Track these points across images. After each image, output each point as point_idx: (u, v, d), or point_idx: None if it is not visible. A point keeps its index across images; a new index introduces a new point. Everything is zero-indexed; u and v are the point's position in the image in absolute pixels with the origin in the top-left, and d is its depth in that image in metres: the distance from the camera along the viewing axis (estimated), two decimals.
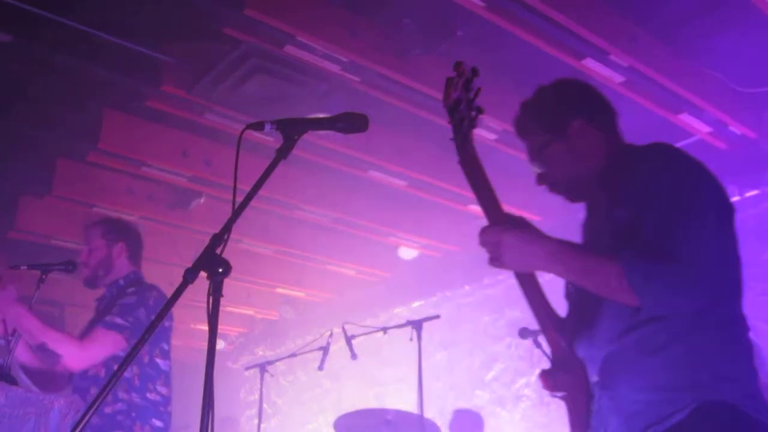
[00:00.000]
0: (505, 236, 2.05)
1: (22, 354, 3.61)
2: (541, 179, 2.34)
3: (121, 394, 3.53)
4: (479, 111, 2.19)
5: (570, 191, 2.33)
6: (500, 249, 2.05)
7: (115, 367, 3.62)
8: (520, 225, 2.16)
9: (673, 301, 1.91)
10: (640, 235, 1.96)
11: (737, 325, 2.04)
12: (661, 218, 1.95)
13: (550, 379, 2.20)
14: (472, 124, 2.20)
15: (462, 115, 2.20)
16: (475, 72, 2.23)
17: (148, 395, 3.62)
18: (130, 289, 3.75)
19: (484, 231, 2.11)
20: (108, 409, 3.48)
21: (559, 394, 2.21)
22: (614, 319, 2.05)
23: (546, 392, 2.22)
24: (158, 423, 3.63)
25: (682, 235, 1.93)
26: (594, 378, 2.13)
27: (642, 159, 2.11)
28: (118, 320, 3.58)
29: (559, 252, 2.01)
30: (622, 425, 2.01)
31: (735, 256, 2.12)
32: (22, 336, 3.48)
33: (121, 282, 3.87)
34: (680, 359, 1.95)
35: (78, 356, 3.49)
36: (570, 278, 2.08)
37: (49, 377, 3.70)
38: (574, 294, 2.28)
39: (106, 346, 3.56)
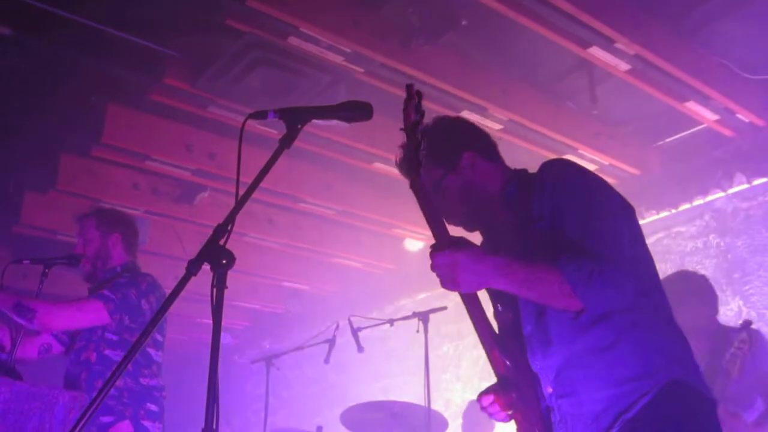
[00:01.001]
0: (458, 256, 2.04)
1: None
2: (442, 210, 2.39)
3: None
4: (420, 146, 2.23)
5: (468, 221, 2.43)
6: (455, 270, 2.03)
7: (106, 352, 3.63)
8: (464, 244, 2.14)
9: (610, 296, 2.01)
10: (563, 238, 2.07)
11: (667, 311, 2.19)
12: (581, 221, 2.08)
13: (503, 398, 2.24)
14: (420, 147, 2.23)
15: (419, 137, 2.22)
16: (420, 95, 2.29)
17: (141, 380, 3.63)
18: (125, 274, 3.77)
19: (436, 253, 2.09)
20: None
21: (510, 411, 2.25)
22: (561, 326, 2.13)
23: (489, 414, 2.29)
24: (153, 407, 3.63)
25: (602, 233, 2.08)
26: (548, 389, 2.18)
27: (552, 175, 2.22)
28: (105, 292, 3.60)
29: (504, 265, 2.04)
30: (590, 426, 2.08)
31: (646, 250, 2.24)
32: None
33: (118, 269, 3.87)
34: (633, 350, 2.06)
35: (53, 313, 3.45)
36: (515, 290, 2.08)
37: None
38: (504, 312, 2.34)
39: (86, 312, 3.56)
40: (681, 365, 2.07)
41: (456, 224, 2.41)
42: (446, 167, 2.38)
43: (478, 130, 2.51)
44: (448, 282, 2.07)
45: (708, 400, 2.08)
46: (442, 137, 2.44)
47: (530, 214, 2.20)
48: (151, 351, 3.71)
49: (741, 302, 5.29)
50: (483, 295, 2.25)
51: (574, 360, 2.11)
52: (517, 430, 2.24)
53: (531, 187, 2.24)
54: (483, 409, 2.31)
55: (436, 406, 5.10)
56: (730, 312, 5.28)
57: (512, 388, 2.24)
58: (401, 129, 2.25)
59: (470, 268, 2.03)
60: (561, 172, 2.23)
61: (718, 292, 5.36)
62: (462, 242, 2.13)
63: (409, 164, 2.23)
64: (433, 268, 2.08)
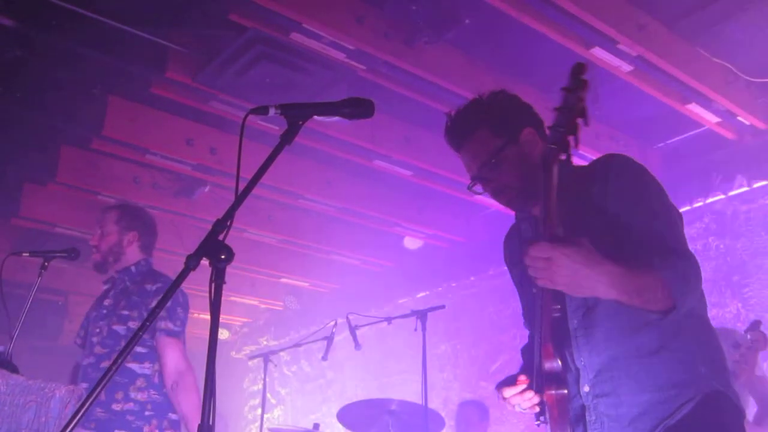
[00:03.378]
0: (557, 253, 1.85)
1: None
2: (487, 185, 2.33)
3: (135, 394, 3.51)
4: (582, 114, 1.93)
5: (517, 197, 2.32)
6: (552, 267, 1.85)
7: (130, 365, 3.63)
8: (572, 241, 1.93)
9: (695, 298, 2.02)
10: (643, 239, 2.01)
11: (708, 322, 2.17)
12: (658, 216, 2.06)
13: (537, 393, 2.15)
14: (574, 130, 1.92)
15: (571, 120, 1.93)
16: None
17: (164, 390, 3.61)
18: (151, 286, 3.69)
19: (534, 245, 1.90)
20: (117, 407, 3.47)
21: (541, 408, 2.18)
22: (610, 326, 2.09)
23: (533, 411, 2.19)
24: (174, 416, 3.62)
25: (679, 231, 2.08)
26: (585, 389, 2.13)
27: (617, 167, 2.16)
28: (171, 326, 3.61)
29: (619, 275, 1.88)
30: (626, 428, 2.05)
31: None
32: None
33: (133, 269, 3.83)
34: (678, 358, 2.04)
35: (180, 369, 3.58)
36: (623, 300, 1.91)
37: None
38: (544, 301, 2.13)
39: (179, 352, 3.62)
40: (721, 376, 2.07)
41: (504, 199, 2.33)
42: (507, 138, 2.29)
43: (533, 110, 2.44)
44: (544, 279, 1.89)
45: (742, 413, 2.09)
46: (506, 108, 2.38)
47: (588, 203, 2.14)
48: None
49: (740, 304, 5.29)
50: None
51: (619, 360, 2.08)
52: (551, 426, 2.15)
53: (591, 176, 2.18)
54: (506, 399, 2.20)
55: (433, 404, 5.10)
56: (729, 314, 5.27)
57: (553, 383, 2.12)
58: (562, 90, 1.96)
59: (573, 269, 1.85)
60: (627, 166, 2.17)
61: (718, 295, 5.36)
62: (570, 240, 1.93)
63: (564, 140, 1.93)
64: (528, 259, 1.90)
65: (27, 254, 3.74)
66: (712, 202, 5.59)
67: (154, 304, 3.60)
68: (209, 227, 1.78)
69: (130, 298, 3.67)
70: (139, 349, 3.65)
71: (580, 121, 1.91)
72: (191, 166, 5.89)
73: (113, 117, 5.23)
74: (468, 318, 7.38)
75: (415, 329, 4.97)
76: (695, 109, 5.06)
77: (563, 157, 1.94)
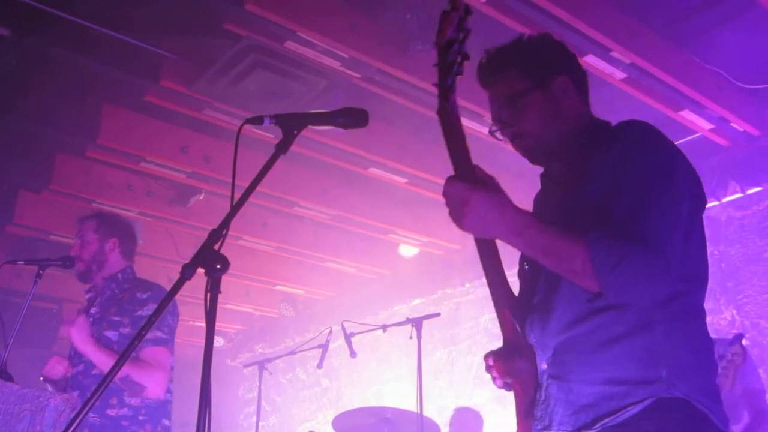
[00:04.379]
0: (472, 196, 1.83)
1: (54, 371, 3.61)
2: (505, 128, 2.15)
3: (129, 399, 3.51)
4: (465, 57, 1.93)
5: (536, 148, 2.13)
6: (463, 208, 1.83)
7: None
8: (490, 186, 1.92)
9: (638, 291, 1.79)
10: (610, 214, 1.84)
11: (697, 317, 1.94)
12: (636, 198, 1.83)
13: (500, 364, 2.07)
14: (459, 70, 1.93)
15: (453, 58, 1.93)
16: (467, 10, 1.96)
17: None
18: (141, 294, 3.68)
19: (450, 182, 1.90)
20: (111, 412, 3.46)
21: (509, 380, 2.08)
22: (570, 304, 1.92)
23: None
24: (167, 422, 3.62)
25: (656, 218, 1.81)
26: (543, 366, 2.00)
27: (622, 136, 1.97)
28: (160, 334, 3.59)
29: (522, 224, 1.82)
30: (570, 417, 1.89)
31: (703, 248, 2.00)
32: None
33: (119, 277, 3.83)
34: (639, 352, 1.84)
35: (161, 383, 3.54)
36: (530, 254, 1.87)
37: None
38: (527, 273, 2.12)
39: (165, 364, 3.59)
40: (688, 382, 1.81)
41: (521, 147, 2.15)
42: (536, 82, 2.09)
43: (577, 60, 2.23)
44: (454, 216, 1.88)
45: (710, 427, 1.81)
46: (544, 50, 2.17)
47: (585, 171, 1.98)
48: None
49: (734, 311, 5.30)
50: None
51: (573, 344, 1.92)
52: (515, 400, 2.07)
53: (600, 141, 2.00)
54: (486, 369, 2.11)
55: (428, 412, 5.09)
56: (723, 321, 5.29)
57: (516, 355, 2.05)
58: (434, 44, 1.96)
59: (482, 211, 1.82)
60: (637, 135, 1.96)
61: (712, 301, 5.37)
62: (488, 184, 1.92)
63: (448, 87, 1.93)
64: (444, 194, 1.90)
65: (22, 262, 3.74)
66: (706, 209, 5.61)
67: (145, 311, 3.59)
68: (204, 235, 1.78)
69: (121, 305, 3.66)
70: (134, 354, 3.65)
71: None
72: (186, 174, 5.90)
73: (108, 125, 5.23)
74: (463, 325, 7.38)
75: (411, 337, 4.97)
76: (688, 115, 5.08)
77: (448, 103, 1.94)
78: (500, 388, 2.14)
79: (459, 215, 1.85)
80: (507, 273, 2.07)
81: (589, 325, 1.89)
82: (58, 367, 3.63)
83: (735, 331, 5.00)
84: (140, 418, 3.52)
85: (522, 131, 2.11)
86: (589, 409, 1.86)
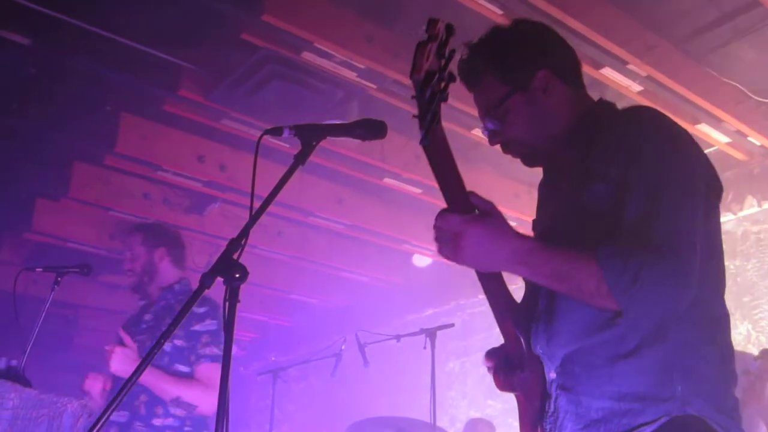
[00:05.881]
0: (467, 229, 1.69)
1: (94, 388, 3.62)
2: (493, 138, 2.02)
3: (175, 410, 3.51)
4: (450, 79, 1.70)
5: (528, 154, 2.03)
6: (460, 242, 1.69)
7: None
8: (487, 214, 1.76)
9: (660, 304, 1.64)
10: (620, 218, 1.69)
11: (718, 324, 1.81)
12: (649, 199, 1.68)
13: (503, 378, 2.00)
14: (443, 96, 1.71)
15: (434, 89, 1.71)
16: (450, 31, 1.75)
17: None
18: (200, 308, 3.67)
19: (442, 216, 1.74)
20: (157, 422, 3.49)
21: (511, 393, 2.01)
22: (578, 313, 1.79)
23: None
24: None
25: (672, 220, 1.66)
26: (552, 375, 1.88)
27: (630, 126, 1.81)
28: (216, 350, 3.59)
29: (526, 253, 1.69)
30: (581, 431, 1.78)
31: (720, 246, 1.87)
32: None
33: (176, 288, 3.87)
34: (654, 366, 1.71)
35: (212, 402, 3.43)
36: (540, 282, 1.74)
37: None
38: (531, 282, 1.96)
39: (218, 380, 3.56)
40: (704, 398, 1.69)
41: (514, 155, 2.04)
42: (514, 85, 1.95)
43: (561, 43, 2.07)
44: (448, 251, 1.73)
45: None
46: (517, 47, 1.99)
47: (590, 165, 1.81)
48: None
49: (750, 326, 5.27)
50: None
51: (582, 355, 1.79)
52: (519, 410, 1.99)
53: (600, 129, 1.86)
54: (487, 369, 2.06)
55: (442, 422, 5.09)
56: (739, 336, 5.25)
57: (517, 368, 1.95)
58: (410, 77, 1.71)
59: (480, 246, 1.69)
60: (646, 125, 1.80)
61: None
62: (486, 211, 1.76)
63: (431, 117, 1.75)
64: (435, 229, 1.74)
65: (40, 269, 3.77)
66: (722, 223, 5.58)
67: (201, 327, 3.62)
68: (220, 243, 1.81)
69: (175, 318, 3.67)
70: (182, 368, 3.65)
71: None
72: (202, 183, 5.93)
73: (126, 134, 5.27)
74: (476, 336, 7.36)
75: (424, 347, 4.97)
76: (705, 129, 5.07)
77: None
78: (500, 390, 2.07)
79: (454, 250, 1.71)
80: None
81: (600, 335, 1.76)
82: (95, 384, 3.63)
83: (751, 345, 4.97)
84: (186, 428, 3.54)
85: (509, 139, 2.01)
86: (599, 424, 1.75)
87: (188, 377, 3.62)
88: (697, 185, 1.76)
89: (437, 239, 1.75)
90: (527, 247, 1.69)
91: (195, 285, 1.75)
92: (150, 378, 3.45)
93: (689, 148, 1.81)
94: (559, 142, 1.97)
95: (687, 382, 1.69)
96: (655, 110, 1.86)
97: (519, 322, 1.95)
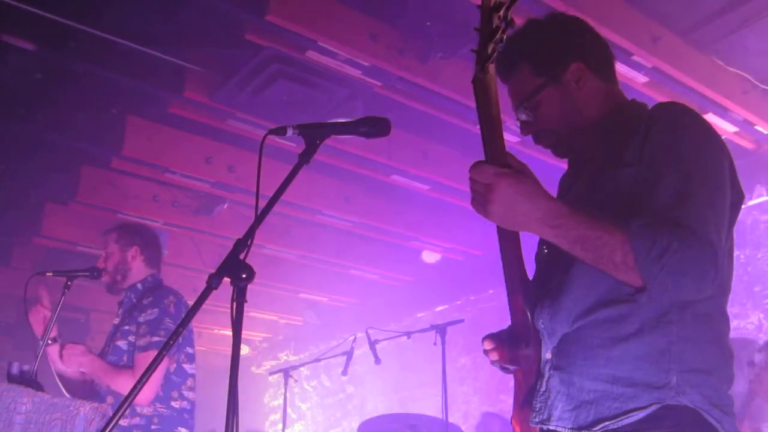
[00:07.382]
0: (500, 181, 1.66)
1: (57, 364, 3.64)
2: (525, 128, 2.04)
3: (140, 408, 3.53)
4: (510, 24, 1.68)
5: (559, 144, 2.04)
6: (491, 194, 1.67)
7: (185, 366, 3.69)
8: (521, 173, 1.73)
9: (684, 286, 1.60)
10: (651, 198, 1.68)
11: (719, 322, 1.81)
12: (682, 182, 1.67)
13: (504, 350, 2.00)
14: (501, 38, 1.69)
15: (497, 24, 1.69)
16: None
17: (172, 404, 3.62)
18: (147, 300, 3.71)
19: (477, 166, 1.72)
20: (124, 422, 3.49)
21: (511, 367, 2.00)
22: (584, 293, 1.80)
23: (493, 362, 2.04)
24: (183, 431, 3.63)
25: (703, 206, 1.65)
26: (547, 355, 1.88)
27: (665, 118, 1.82)
28: (153, 338, 3.57)
29: (557, 215, 1.65)
30: (570, 413, 1.79)
31: (732, 251, 1.86)
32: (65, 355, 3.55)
33: (139, 286, 3.86)
34: (651, 353, 1.71)
35: (144, 393, 3.47)
36: (565, 247, 1.68)
37: (83, 385, 3.73)
38: (545, 257, 1.99)
39: (156, 371, 3.59)
40: (700, 390, 1.69)
41: (545, 145, 2.06)
42: (547, 76, 1.98)
43: (595, 36, 2.09)
44: (478, 203, 1.71)
45: None
46: (550, 40, 2.02)
47: (621, 155, 1.82)
48: (185, 366, 3.71)
49: (762, 315, 5.25)
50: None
51: (581, 335, 1.79)
52: (515, 388, 2.00)
53: (633, 125, 1.86)
54: (484, 352, 2.06)
55: (454, 418, 5.09)
56: (750, 326, 5.24)
57: (522, 342, 1.94)
58: (477, 6, 1.73)
59: (511, 201, 1.65)
60: (677, 117, 1.81)
61: (738, 306, 5.31)
62: (520, 170, 1.73)
63: (477, 54, 1.74)
64: (470, 179, 1.73)
65: (51, 274, 3.78)
66: None
67: (143, 317, 3.63)
68: (229, 244, 1.80)
69: (131, 314, 3.70)
70: (189, 350, 3.74)
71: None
72: (210, 184, 5.95)
73: (132, 136, 5.29)
74: (487, 331, 7.32)
75: (435, 343, 4.97)
76: (712, 119, 5.04)
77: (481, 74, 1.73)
78: (501, 371, 2.07)
79: (484, 202, 1.68)
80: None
81: (601, 316, 1.76)
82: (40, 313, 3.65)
83: (762, 335, 4.95)
84: (153, 427, 3.54)
85: (541, 130, 2.03)
86: (590, 405, 1.75)
87: (193, 359, 3.74)
88: (726, 184, 1.76)
89: (471, 188, 1.74)
90: (558, 209, 1.66)
91: (199, 285, 1.75)
92: (93, 369, 3.53)
93: (722, 151, 1.81)
94: (589, 134, 1.99)
95: (683, 374, 1.69)
96: (689, 107, 1.87)
97: (528, 297, 1.96)
